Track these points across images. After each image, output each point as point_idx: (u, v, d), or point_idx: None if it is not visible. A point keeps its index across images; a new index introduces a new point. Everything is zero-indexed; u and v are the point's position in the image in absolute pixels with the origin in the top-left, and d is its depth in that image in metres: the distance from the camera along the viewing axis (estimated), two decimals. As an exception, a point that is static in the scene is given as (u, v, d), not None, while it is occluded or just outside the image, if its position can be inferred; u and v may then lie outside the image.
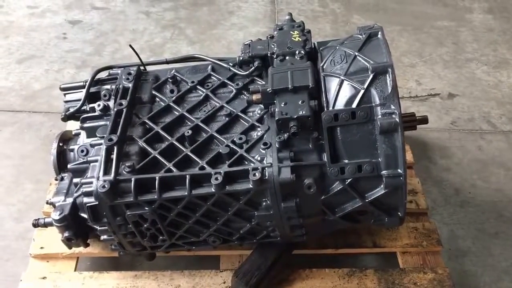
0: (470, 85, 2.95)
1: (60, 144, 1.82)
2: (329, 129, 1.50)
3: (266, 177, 1.48)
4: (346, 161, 1.52)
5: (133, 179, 1.51)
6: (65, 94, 1.88)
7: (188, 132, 1.63)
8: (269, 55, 1.74)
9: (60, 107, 2.64)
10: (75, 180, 1.66)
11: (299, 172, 1.50)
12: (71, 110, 1.81)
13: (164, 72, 1.87)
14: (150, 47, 3.12)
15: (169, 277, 1.80)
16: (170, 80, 1.82)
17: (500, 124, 2.72)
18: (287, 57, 1.69)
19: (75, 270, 1.85)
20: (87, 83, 1.80)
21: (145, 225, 1.58)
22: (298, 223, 1.61)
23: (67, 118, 1.82)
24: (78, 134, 1.82)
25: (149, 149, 1.61)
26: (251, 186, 1.49)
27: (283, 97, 1.56)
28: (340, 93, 1.51)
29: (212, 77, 1.83)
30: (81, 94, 1.83)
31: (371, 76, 1.49)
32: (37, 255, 1.86)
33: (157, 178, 1.51)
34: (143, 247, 1.70)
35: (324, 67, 1.60)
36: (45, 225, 1.70)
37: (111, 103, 1.73)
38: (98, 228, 1.60)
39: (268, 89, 1.57)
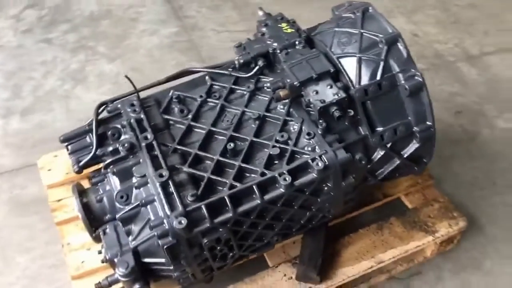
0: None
1: (81, 199, 1.66)
2: (362, 104, 1.64)
3: (327, 163, 1.57)
4: (381, 128, 1.67)
5: (203, 205, 1.48)
6: (67, 146, 1.70)
7: (230, 145, 1.63)
8: (271, 51, 1.78)
9: (6, 164, 2.40)
10: (126, 227, 1.55)
11: (349, 150, 1.62)
12: (84, 159, 1.66)
13: (162, 94, 1.81)
14: (70, 75, 2.84)
15: (234, 290, 1.80)
16: (176, 100, 1.77)
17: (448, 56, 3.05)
18: (289, 50, 1.76)
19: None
20: (94, 126, 1.66)
21: (218, 247, 1.57)
22: (353, 196, 1.73)
23: (82, 169, 1.66)
24: (96, 183, 1.68)
25: (198, 173, 1.57)
26: (315, 176, 1.57)
27: (310, 87, 1.64)
28: (362, 70, 1.65)
29: (215, 86, 1.82)
30: (86, 141, 1.69)
31: (385, 48, 1.64)
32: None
33: (226, 197, 1.50)
34: (211, 270, 1.68)
35: (332, 50, 1.71)
36: (110, 284, 1.56)
37: (132, 140, 1.63)
38: (172, 267, 1.54)
39: (295, 83, 1.63)
